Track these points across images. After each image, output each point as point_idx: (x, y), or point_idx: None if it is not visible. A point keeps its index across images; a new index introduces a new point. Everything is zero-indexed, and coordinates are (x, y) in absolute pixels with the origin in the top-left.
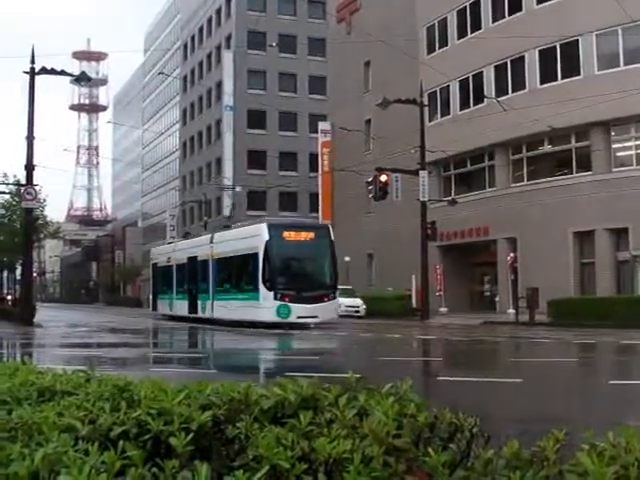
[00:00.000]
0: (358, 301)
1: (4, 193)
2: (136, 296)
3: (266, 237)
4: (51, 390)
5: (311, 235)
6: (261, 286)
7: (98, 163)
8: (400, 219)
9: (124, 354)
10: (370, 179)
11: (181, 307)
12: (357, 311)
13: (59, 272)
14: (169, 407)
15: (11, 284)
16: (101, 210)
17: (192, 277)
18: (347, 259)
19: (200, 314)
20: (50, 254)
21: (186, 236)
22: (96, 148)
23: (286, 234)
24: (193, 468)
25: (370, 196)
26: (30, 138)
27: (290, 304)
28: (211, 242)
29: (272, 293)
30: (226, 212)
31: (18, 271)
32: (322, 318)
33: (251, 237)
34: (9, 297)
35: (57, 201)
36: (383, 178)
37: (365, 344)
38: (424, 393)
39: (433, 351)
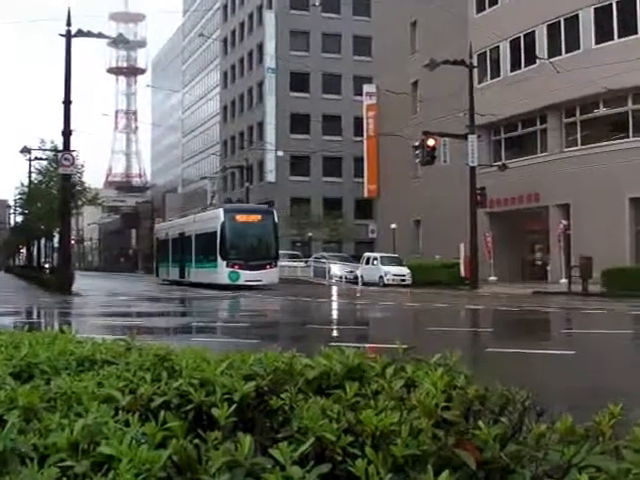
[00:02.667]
0: (404, 270)
1: (41, 159)
2: None
3: (222, 219)
4: (90, 360)
5: (258, 217)
6: (218, 257)
7: (137, 128)
8: (448, 185)
9: (164, 323)
10: (417, 143)
11: (174, 273)
12: (403, 280)
13: (97, 240)
14: (211, 377)
15: (49, 252)
16: (140, 176)
17: (182, 249)
18: (393, 226)
19: (186, 279)
20: (88, 221)
21: (226, 203)
22: (134, 112)
23: (238, 217)
24: (236, 440)
25: (417, 161)
26: (67, 102)
27: (239, 271)
28: (194, 221)
29: (225, 262)
30: (269, 177)
31: (56, 239)
32: (265, 282)
33: (213, 219)
34: (47, 265)
35: (95, 167)
36: (431, 142)
37: (412, 314)
38: (474, 365)
39: (482, 321)
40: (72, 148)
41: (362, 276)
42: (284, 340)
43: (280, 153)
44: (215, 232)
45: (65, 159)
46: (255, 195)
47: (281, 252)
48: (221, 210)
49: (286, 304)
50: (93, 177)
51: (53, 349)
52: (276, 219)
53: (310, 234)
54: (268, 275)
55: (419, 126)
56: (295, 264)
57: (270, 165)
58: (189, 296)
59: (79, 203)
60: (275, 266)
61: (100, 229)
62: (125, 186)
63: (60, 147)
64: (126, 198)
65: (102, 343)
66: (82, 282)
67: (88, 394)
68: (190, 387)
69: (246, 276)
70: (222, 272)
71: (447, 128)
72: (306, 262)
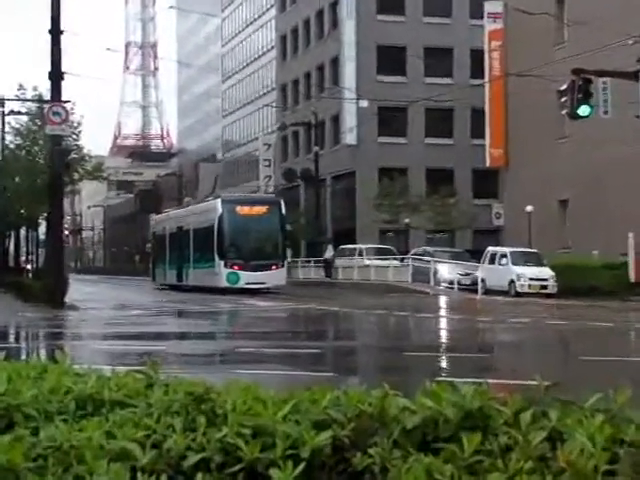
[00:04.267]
0: (546, 271)
1: (20, 114)
2: None
3: (219, 211)
4: (96, 399)
5: (263, 209)
6: (215, 256)
7: (157, 69)
8: (611, 147)
9: (199, 348)
10: (564, 86)
11: (172, 276)
12: (545, 286)
13: (101, 229)
14: (269, 425)
15: (32, 247)
16: (162, 138)
17: (179, 247)
18: (528, 209)
19: (184, 282)
20: (89, 203)
21: (287, 175)
22: (153, 46)
23: (239, 208)
24: None
25: (564, 112)
26: (56, 32)
27: (239, 271)
28: (192, 214)
29: (223, 262)
30: (347, 139)
31: (42, 229)
32: (270, 284)
33: (209, 211)
34: (29, 266)
35: (98, 125)
36: (584, 85)
37: (558, 336)
38: None
39: None
40: (65, 98)
41: (484, 280)
42: (371, 372)
43: (364, 103)
44: (212, 227)
45: (54, 113)
46: (328, 164)
47: (365, 246)
48: (218, 201)
49: (372, 321)
50: (95, 140)
51: (42, 385)
52: (283, 211)
53: (407, 220)
54: (273, 277)
55: (567, 62)
56: (385, 263)
57: (349, 121)
58: (228, 309)
59: (75, 177)
60: (282, 266)
61: (105, 214)
62: (141, 152)
63: (47, 96)
64: (143, 169)
65: (112, 376)
66: (79, 290)
67: (93, 448)
68: (239, 438)
69: (247, 278)
70: (220, 273)
71: (609, 63)
72: (402, 260)
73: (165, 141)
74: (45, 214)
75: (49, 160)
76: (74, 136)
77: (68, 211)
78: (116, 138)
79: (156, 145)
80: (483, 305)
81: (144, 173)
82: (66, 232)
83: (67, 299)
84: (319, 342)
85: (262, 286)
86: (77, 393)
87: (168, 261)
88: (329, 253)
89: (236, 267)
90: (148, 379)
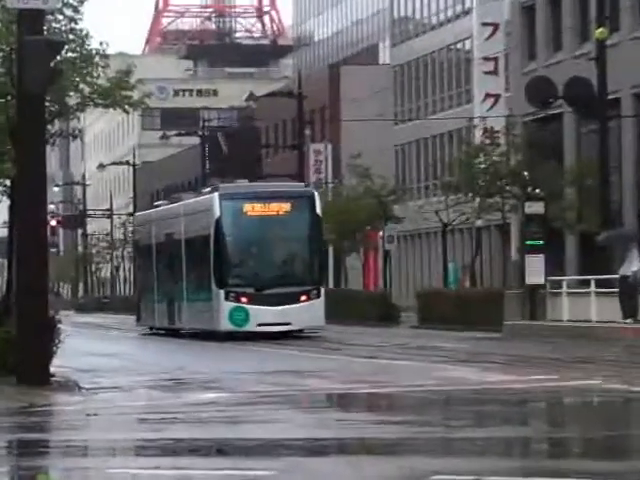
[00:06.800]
0: None
1: None
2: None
3: (216, 213)
4: None
5: (285, 207)
6: (212, 282)
7: None
8: None
9: (347, 474)
10: None
11: (162, 314)
12: None
13: (128, 215)
14: None
15: None
16: (260, 15)
17: (170, 266)
18: None
19: (176, 324)
20: (100, 158)
21: (535, 92)
22: None
23: (248, 207)
24: None
25: None
26: None
27: (248, 306)
28: (183, 213)
29: (223, 291)
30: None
31: (2, 214)
32: (297, 325)
33: (204, 212)
34: None
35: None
36: None
37: None
38: None
39: None
40: None
41: None
42: None
43: None
44: (207, 237)
45: None
46: (626, 68)
47: None
48: (215, 196)
49: None
50: (117, 24)
51: None
52: (317, 208)
53: None
54: (303, 313)
55: None
56: None
57: None
58: (412, 390)
59: (71, 102)
60: (317, 296)
61: (136, 182)
62: (214, 47)
63: None
64: (217, 83)
65: None
66: (83, 347)
67: None
68: None
69: (259, 316)
70: (219, 309)
71: None
72: None
73: (265, 22)
74: (8, 182)
75: (16, 66)
76: (69, 12)
77: (57, 174)
78: (159, 17)
79: (246, 31)
80: None
81: (220, 92)
82: (53, 222)
83: (55, 368)
84: (620, 462)
85: (285, 328)
86: None
87: (156, 290)
88: (633, 264)
89: (243, 299)
90: None
